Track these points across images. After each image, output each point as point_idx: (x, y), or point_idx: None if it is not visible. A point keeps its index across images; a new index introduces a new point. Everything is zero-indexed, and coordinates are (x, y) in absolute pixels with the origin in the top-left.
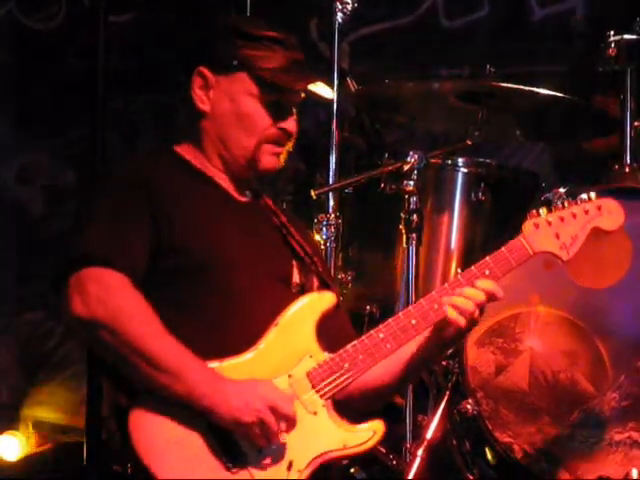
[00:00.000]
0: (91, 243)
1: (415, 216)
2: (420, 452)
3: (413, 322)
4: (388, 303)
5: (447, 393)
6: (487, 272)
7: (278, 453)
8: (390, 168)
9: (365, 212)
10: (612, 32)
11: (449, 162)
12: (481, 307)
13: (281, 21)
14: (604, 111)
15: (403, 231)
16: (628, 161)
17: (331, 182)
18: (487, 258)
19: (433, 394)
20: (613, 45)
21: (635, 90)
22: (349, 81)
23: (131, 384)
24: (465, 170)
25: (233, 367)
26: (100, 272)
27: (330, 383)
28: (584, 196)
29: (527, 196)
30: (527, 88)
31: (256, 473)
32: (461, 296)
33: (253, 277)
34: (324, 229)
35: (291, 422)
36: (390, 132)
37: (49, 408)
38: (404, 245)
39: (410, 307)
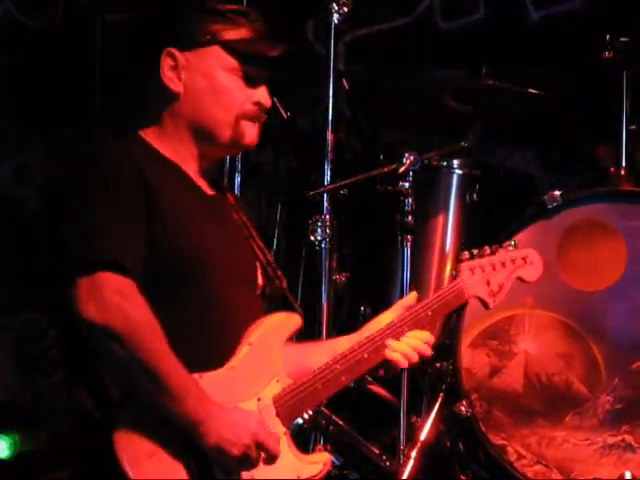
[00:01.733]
0: (106, 244)
1: (410, 217)
2: (414, 453)
3: (365, 356)
4: (382, 305)
5: (441, 395)
6: (430, 313)
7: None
8: (385, 169)
9: (360, 213)
10: (608, 35)
11: (444, 164)
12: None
13: (277, 21)
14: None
15: (398, 232)
16: (623, 164)
17: (326, 183)
18: (431, 297)
19: (427, 396)
20: (609, 48)
21: (631, 93)
22: (344, 82)
23: (109, 397)
24: (460, 172)
25: (210, 382)
26: (117, 279)
27: (291, 411)
28: (510, 244)
29: (522, 198)
30: (522, 89)
31: None
32: (408, 345)
33: (227, 281)
34: (319, 230)
35: (273, 460)
36: (386, 133)
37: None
38: (399, 246)
39: (364, 339)
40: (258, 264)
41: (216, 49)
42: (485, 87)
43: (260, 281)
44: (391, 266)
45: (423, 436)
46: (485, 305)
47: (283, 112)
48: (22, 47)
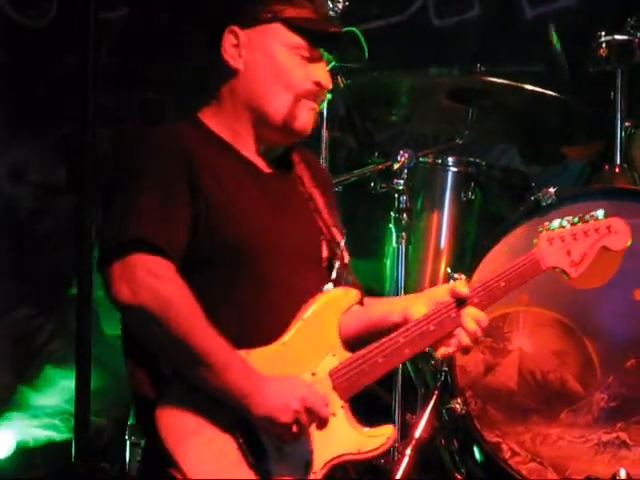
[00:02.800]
0: (138, 226)
1: (405, 215)
2: (408, 451)
3: (432, 328)
4: None
5: (436, 392)
6: (503, 284)
7: (297, 453)
8: (380, 167)
9: (355, 211)
10: (603, 32)
11: (439, 161)
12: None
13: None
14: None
15: (393, 230)
16: (618, 162)
17: None
18: (504, 269)
19: (421, 393)
20: (604, 45)
21: (625, 90)
22: (339, 79)
23: (161, 375)
24: (455, 169)
25: (260, 358)
26: (149, 259)
27: (350, 384)
28: (595, 214)
29: (517, 196)
30: (517, 85)
31: (275, 471)
32: (470, 317)
33: (285, 261)
34: None
35: (324, 424)
36: (380, 130)
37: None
38: (394, 244)
39: (431, 312)
40: (322, 237)
41: (277, 26)
42: (480, 85)
43: (324, 253)
44: (386, 263)
45: (418, 434)
46: (567, 275)
47: None
48: (16, 45)
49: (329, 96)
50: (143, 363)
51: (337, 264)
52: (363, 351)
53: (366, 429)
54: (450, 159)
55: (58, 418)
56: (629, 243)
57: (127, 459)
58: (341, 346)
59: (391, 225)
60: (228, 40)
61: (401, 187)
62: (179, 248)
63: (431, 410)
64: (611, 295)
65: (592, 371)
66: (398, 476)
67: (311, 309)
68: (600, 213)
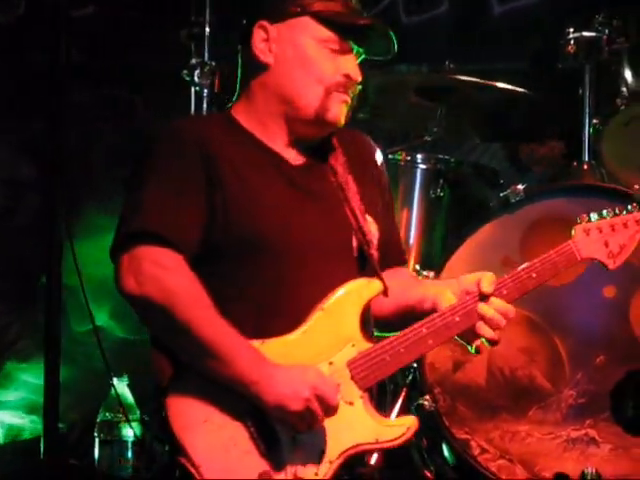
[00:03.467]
0: (147, 218)
1: None
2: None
3: (457, 319)
4: None
5: (404, 389)
6: (534, 275)
7: (311, 442)
8: None
9: None
10: (571, 29)
11: (408, 158)
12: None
13: (240, 17)
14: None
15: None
16: (586, 158)
17: None
18: (535, 260)
19: (390, 390)
20: (572, 42)
21: (594, 87)
22: None
23: (175, 364)
24: (424, 166)
25: (274, 347)
26: (155, 251)
27: (369, 374)
28: (635, 205)
29: (486, 192)
30: (486, 82)
31: (288, 459)
32: (495, 309)
33: (307, 255)
34: None
35: (334, 412)
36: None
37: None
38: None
39: (457, 303)
40: (352, 227)
41: (306, 20)
42: (448, 81)
43: (354, 243)
44: None
45: None
46: (605, 266)
47: None
48: None
49: (359, 88)
50: (164, 351)
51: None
52: (384, 342)
53: (386, 419)
54: (419, 156)
55: (27, 415)
56: None
57: (96, 455)
58: (361, 337)
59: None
60: (258, 35)
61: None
62: (190, 241)
63: (400, 407)
64: (580, 292)
65: (561, 368)
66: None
67: (332, 299)
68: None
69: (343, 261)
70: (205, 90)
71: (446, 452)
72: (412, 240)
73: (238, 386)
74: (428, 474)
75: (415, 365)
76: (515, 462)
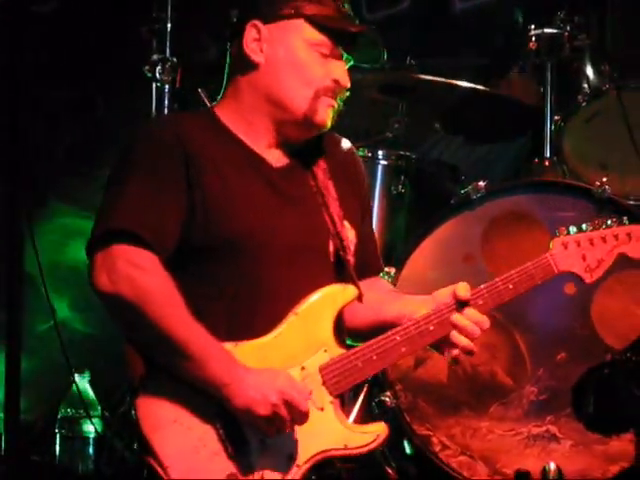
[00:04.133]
0: (125, 217)
1: None
2: (364, 388)
3: (431, 328)
4: None
5: (366, 385)
6: (511, 286)
7: (280, 445)
8: None
9: None
10: (533, 26)
11: (369, 154)
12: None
13: (199, 14)
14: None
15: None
16: (548, 155)
17: None
18: (513, 272)
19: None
20: (534, 39)
21: (556, 84)
22: None
23: (147, 364)
24: (385, 162)
25: (247, 350)
26: (131, 250)
27: (341, 381)
28: (614, 220)
29: (447, 189)
30: (447, 80)
31: (256, 462)
32: (469, 319)
33: (284, 257)
34: None
35: (304, 418)
36: None
37: None
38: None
39: (431, 312)
40: (329, 232)
41: (299, 22)
42: (409, 78)
43: (331, 248)
44: None
45: None
46: (582, 280)
47: (208, 103)
48: None
49: (347, 93)
50: (137, 350)
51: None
52: (357, 348)
53: (356, 425)
54: (380, 152)
55: None
56: None
57: (57, 451)
58: (334, 342)
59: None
60: (250, 34)
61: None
62: (167, 241)
63: (361, 403)
64: (541, 289)
65: (522, 364)
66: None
67: (306, 304)
68: (619, 219)
69: (319, 265)
70: (167, 86)
71: (407, 448)
72: None
73: (208, 388)
74: (389, 470)
75: None
76: (476, 458)
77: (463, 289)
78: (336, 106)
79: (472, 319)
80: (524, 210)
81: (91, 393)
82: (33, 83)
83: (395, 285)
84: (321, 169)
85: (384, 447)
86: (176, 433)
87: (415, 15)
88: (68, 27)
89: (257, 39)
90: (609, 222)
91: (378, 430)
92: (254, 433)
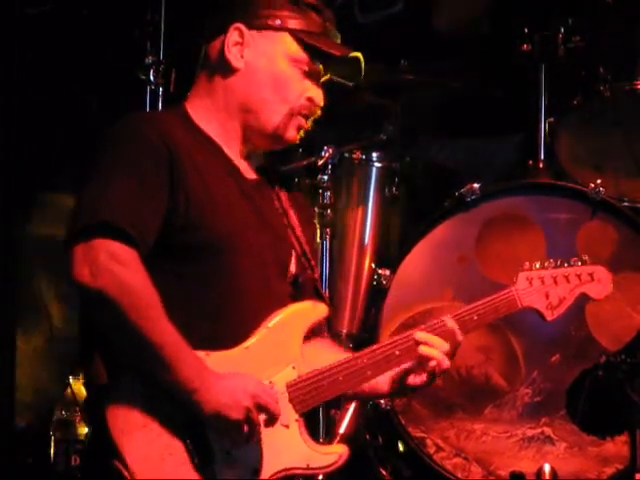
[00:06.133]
0: (108, 210)
1: (329, 211)
2: (352, 405)
3: (397, 353)
4: None
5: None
6: (475, 317)
7: (245, 459)
8: (304, 163)
9: None
10: (526, 27)
11: (363, 157)
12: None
13: (197, 13)
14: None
15: (317, 226)
16: (542, 157)
17: None
18: (479, 302)
19: None
20: (527, 40)
21: (549, 86)
22: None
23: (117, 362)
24: (379, 165)
25: (218, 360)
26: (114, 244)
27: (307, 399)
28: (578, 260)
29: (441, 191)
30: (441, 82)
31: (221, 474)
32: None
33: (257, 266)
34: None
35: (274, 422)
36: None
37: None
38: (318, 240)
39: (397, 337)
40: (293, 253)
41: (284, 36)
42: (404, 80)
43: (292, 269)
44: None
45: (342, 429)
46: (542, 317)
47: None
48: None
49: (319, 112)
50: (101, 349)
51: (305, 279)
52: (325, 368)
53: (318, 445)
54: (374, 154)
55: None
56: (609, 292)
57: (52, 455)
58: (303, 360)
59: (315, 221)
60: (232, 36)
61: (325, 183)
62: (148, 236)
63: (356, 405)
64: None
65: (516, 366)
66: (342, 429)
67: (277, 318)
68: (582, 259)
69: (283, 283)
70: (160, 89)
71: (402, 450)
72: (367, 239)
73: (179, 392)
74: (384, 472)
75: None
76: (471, 460)
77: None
78: (307, 126)
79: (434, 345)
80: (518, 212)
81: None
82: (26, 85)
83: (389, 287)
84: (282, 194)
85: (379, 449)
86: (145, 439)
87: (408, 16)
88: (61, 29)
89: (239, 43)
90: (571, 262)
91: (340, 451)
92: (221, 444)
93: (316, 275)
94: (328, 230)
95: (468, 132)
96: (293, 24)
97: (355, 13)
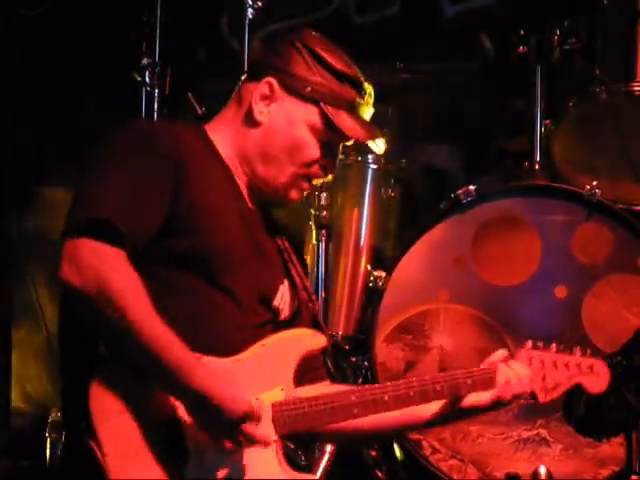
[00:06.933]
0: (103, 208)
1: (325, 212)
2: (329, 448)
3: (385, 398)
4: None
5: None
6: (469, 381)
7: (216, 468)
8: None
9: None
10: (522, 30)
11: (359, 158)
12: None
13: (192, 15)
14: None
15: (313, 227)
16: (538, 159)
17: None
18: (473, 370)
19: None
20: (524, 42)
21: (545, 88)
22: None
23: (97, 353)
24: (375, 166)
25: (210, 366)
26: (100, 246)
27: (289, 423)
28: (580, 348)
29: (437, 193)
30: (437, 83)
31: (190, 474)
32: None
33: (241, 287)
34: None
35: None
36: None
37: None
38: (314, 241)
39: (389, 383)
40: (280, 287)
41: (313, 108)
42: (400, 82)
43: (277, 302)
44: (306, 260)
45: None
46: (535, 399)
47: (198, 107)
48: None
49: (329, 179)
50: (80, 340)
51: (306, 312)
52: (313, 396)
53: (291, 471)
54: (370, 156)
55: None
56: (605, 388)
57: (48, 456)
58: (292, 384)
59: (311, 222)
60: (262, 89)
61: (321, 184)
62: (141, 237)
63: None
64: (531, 291)
65: None
66: (318, 474)
67: (274, 338)
68: (584, 351)
69: (261, 312)
70: (156, 91)
71: (398, 452)
72: (363, 240)
73: (170, 379)
74: (380, 474)
75: (366, 364)
76: (466, 462)
77: None
78: (310, 188)
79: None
80: (514, 214)
81: None
82: (23, 85)
83: (385, 289)
84: (280, 231)
85: (375, 451)
86: (123, 430)
87: (405, 18)
88: (58, 31)
89: (268, 97)
90: (574, 350)
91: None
92: (196, 450)
93: (316, 308)
94: (324, 232)
95: (464, 134)
96: (322, 95)
97: (351, 14)
